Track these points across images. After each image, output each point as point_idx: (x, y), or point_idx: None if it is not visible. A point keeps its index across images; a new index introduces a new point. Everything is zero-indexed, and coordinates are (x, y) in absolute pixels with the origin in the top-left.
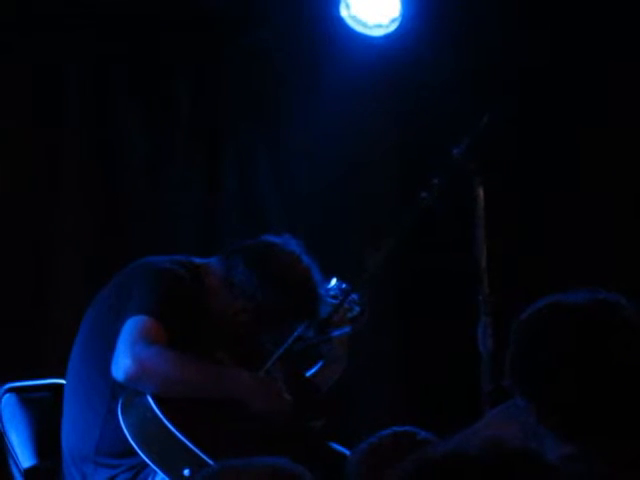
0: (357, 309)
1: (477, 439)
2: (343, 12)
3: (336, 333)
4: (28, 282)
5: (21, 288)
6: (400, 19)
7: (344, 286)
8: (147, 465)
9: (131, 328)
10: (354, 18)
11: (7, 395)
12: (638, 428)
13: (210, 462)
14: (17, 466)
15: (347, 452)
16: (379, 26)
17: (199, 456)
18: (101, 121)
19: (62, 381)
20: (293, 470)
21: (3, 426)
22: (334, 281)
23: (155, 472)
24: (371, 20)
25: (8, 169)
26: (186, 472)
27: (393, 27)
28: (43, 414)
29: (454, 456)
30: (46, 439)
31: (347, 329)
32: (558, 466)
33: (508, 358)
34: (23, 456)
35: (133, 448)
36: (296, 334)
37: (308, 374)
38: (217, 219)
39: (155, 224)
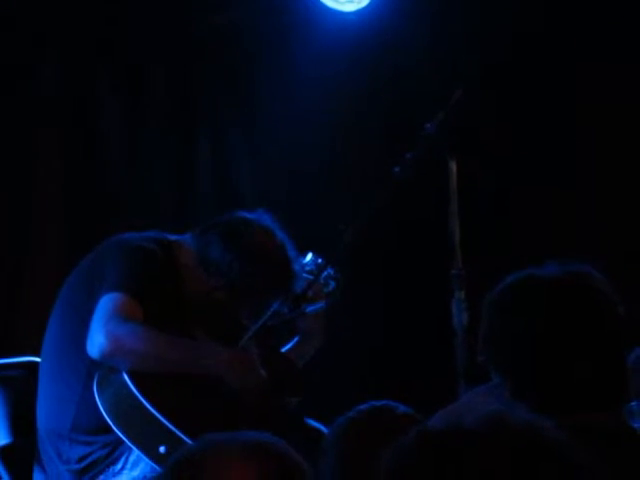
0: (333, 284)
1: (470, 414)
2: None
3: (311, 308)
4: (3, 260)
5: None
6: None
7: (320, 261)
8: (122, 442)
9: (105, 305)
10: None
11: None
12: (610, 401)
13: (185, 439)
14: None
15: (323, 428)
16: (350, 1)
17: (174, 433)
18: (77, 104)
19: (37, 359)
20: (277, 444)
21: None
22: (310, 256)
23: (130, 449)
24: None
25: None
26: (162, 449)
27: (365, 2)
28: (18, 392)
29: (455, 431)
30: (21, 417)
31: (322, 304)
32: (560, 439)
33: (481, 334)
34: None
35: (109, 425)
36: (271, 310)
37: (284, 350)
38: (192, 198)
39: (131, 204)
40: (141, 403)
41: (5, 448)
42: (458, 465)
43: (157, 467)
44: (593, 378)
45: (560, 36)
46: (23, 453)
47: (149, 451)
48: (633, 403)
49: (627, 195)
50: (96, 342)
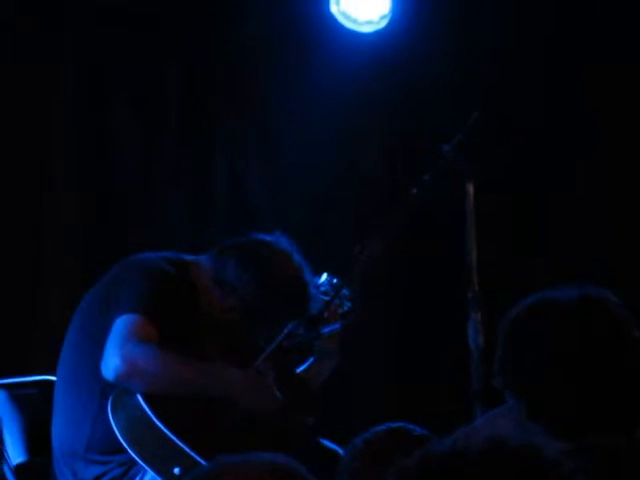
0: (348, 304)
1: (478, 437)
2: (333, 8)
3: (327, 329)
4: (19, 277)
5: (12, 283)
6: (390, 16)
7: (335, 281)
8: (137, 462)
9: (121, 327)
10: (344, 14)
11: None
12: (626, 424)
13: (200, 460)
14: (7, 463)
15: (338, 449)
16: (369, 22)
17: (189, 455)
18: (93, 118)
19: (53, 378)
20: (291, 466)
21: None
22: (325, 276)
23: (145, 469)
24: (361, 16)
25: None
26: (176, 470)
27: (383, 24)
28: (33, 411)
29: (456, 454)
30: (36, 436)
31: (338, 325)
32: (560, 461)
33: (496, 356)
34: (13, 453)
35: (123, 446)
36: (286, 331)
37: (299, 371)
38: (208, 215)
39: (147, 220)
40: (155, 425)
41: (20, 466)
42: None
43: None
44: (608, 401)
45: (577, 51)
46: (38, 472)
47: (163, 473)
48: None
49: None
50: (111, 364)
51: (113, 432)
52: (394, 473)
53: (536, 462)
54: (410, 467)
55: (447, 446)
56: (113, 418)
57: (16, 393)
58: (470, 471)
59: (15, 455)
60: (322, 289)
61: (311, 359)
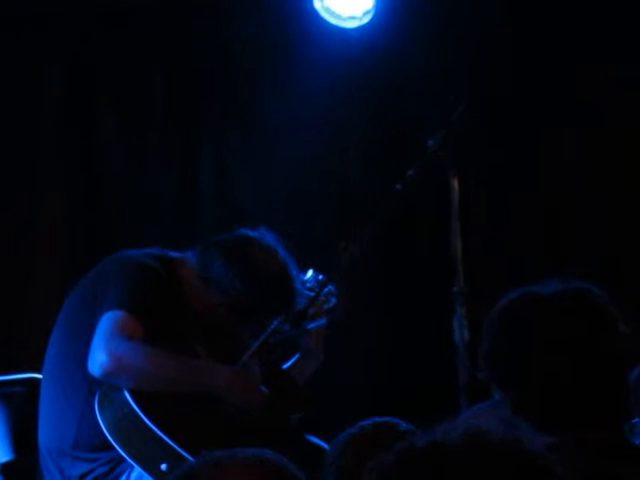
0: (333, 301)
1: (459, 430)
2: (316, 4)
3: (312, 325)
4: (4, 276)
5: None
6: (373, 11)
7: (320, 278)
8: (124, 459)
9: (107, 323)
10: (327, 10)
11: None
12: (610, 418)
13: (187, 456)
14: None
15: (324, 445)
16: (353, 18)
17: (176, 450)
18: (78, 118)
19: (38, 375)
20: (278, 461)
21: None
22: (310, 273)
23: (132, 466)
24: (344, 12)
25: None
26: (163, 467)
27: (367, 19)
28: (19, 409)
29: (436, 447)
30: (23, 434)
31: (323, 321)
32: (540, 453)
33: (482, 350)
34: (0, 451)
35: (110, 442)
36: (272, 327)
37: (285, 367)
38: (194, 212)
39: (133, 218)
40: (142, 421)
41: (7, 465)
42: None
43: None
44: (593, 395)
45: (560, 46)
46: (25, 470)
47: (150, 469)
48: (636, 420)
49: (632, 205)
50: (97, 360)
51: (100, 429)
52: (374, 467)
53: (516, 453)
54: (390, 461)
55: (426, 440)
56: (100, 415)
57: (1, 391)
58: (450, 463)
59: (1, 454)
60: (308, 285)
61: (297, 355)
